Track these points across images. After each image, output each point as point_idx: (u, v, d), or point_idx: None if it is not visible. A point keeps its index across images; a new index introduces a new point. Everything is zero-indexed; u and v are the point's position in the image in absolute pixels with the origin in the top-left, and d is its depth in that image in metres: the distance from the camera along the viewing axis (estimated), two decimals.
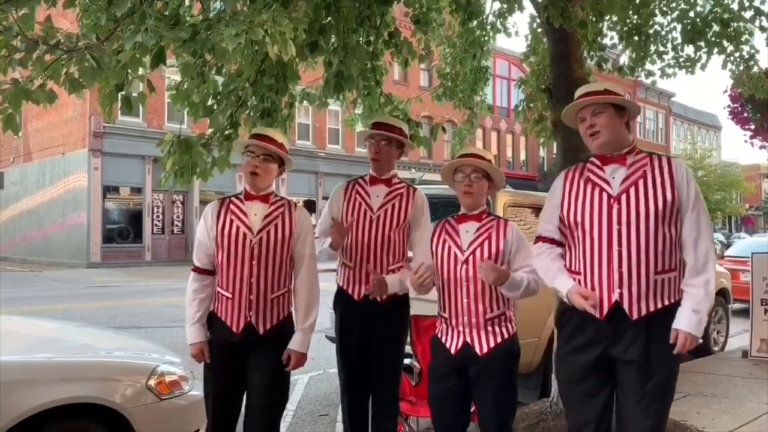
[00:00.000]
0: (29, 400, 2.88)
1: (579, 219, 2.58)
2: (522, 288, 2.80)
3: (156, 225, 24.29)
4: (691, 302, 2.45)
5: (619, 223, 2.48)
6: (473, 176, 2.91)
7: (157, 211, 24.36)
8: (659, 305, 2.47)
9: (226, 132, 4.18)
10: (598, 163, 2.63)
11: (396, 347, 3.40)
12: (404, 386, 3.97)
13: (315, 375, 6.56)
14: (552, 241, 2.71)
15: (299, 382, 6.31)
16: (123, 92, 3.39)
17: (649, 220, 2.46)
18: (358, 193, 3.45)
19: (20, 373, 2.98)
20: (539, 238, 2.77)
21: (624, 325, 2.48)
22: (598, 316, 2.50)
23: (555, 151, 4.85)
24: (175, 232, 24.72)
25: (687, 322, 2.43)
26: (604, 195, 2.55)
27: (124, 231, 23.77)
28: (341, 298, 3.48)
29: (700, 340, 2.62)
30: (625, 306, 2.47)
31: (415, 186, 3.57)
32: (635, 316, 2.46)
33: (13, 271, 20.39)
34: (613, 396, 2.61)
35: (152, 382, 3.30)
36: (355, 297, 3.39)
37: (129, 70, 3.09)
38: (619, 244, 2.47)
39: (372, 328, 3.35)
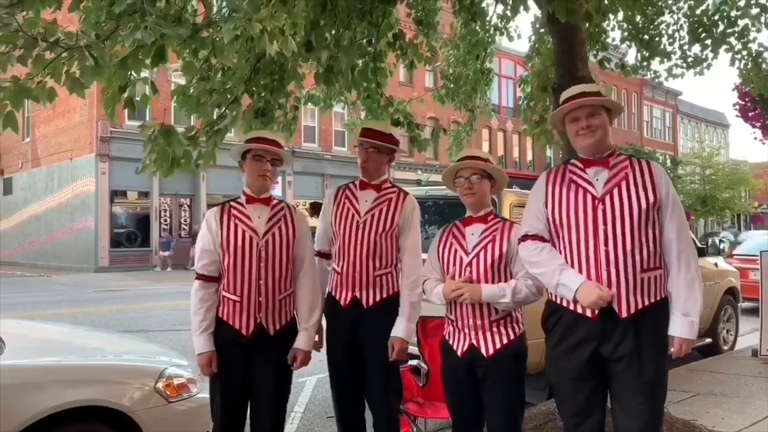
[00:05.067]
0: (38, 403, 2.89)
1: (564, 219, 2.61)
2: (507, 297, 2.78)
3: (163, 229, 24.35)
4: (681, 306, 2.54)
5: (605, 223, 2.54)
6: (473, 178, 2.93)
7: (165, 215, 24.42)
8: (647, 302, 2.52)
9: (216, 127, 4.17)
10: (580, 165, 2.69)
11: (386, 350, 3.25)
12: (412, 387, 3.96)
13: (323, 377, 6.52)
14: (541, 239, 2.69)
15: (307, 384, 6.31)
16: (126, 94, 3.38)
17: (633, 220, 2.52)
18: (347, 198, 3.37)
19: (29, 376, 2.99)
20: (527, 237, 2.72)
21: (613, 323, 2.52)
22: (590, 315, 2.52)
23: (561, 152, 4.84)
24: (183, 235, 24.76)
25: (680, 328, 2.53)
26: (588, 196, 2.60)
27: (131, 235, 23.85)
28: (329, 304, 3.38)
29: (698, 342, 2.65)
30: (614, 304, 2.50)
31: (407, 191, 3.47)
32: (624, 314, 2.51)
33: (23, 276, 20.49)
34: (606, 395, 2.63)
35: (160, 385, 3.31)
36: (342, 303, 3.29)
37: (132, 71, 3.10)
38: (606, 244, 2.52)
39: (359, 333, 3.27)
